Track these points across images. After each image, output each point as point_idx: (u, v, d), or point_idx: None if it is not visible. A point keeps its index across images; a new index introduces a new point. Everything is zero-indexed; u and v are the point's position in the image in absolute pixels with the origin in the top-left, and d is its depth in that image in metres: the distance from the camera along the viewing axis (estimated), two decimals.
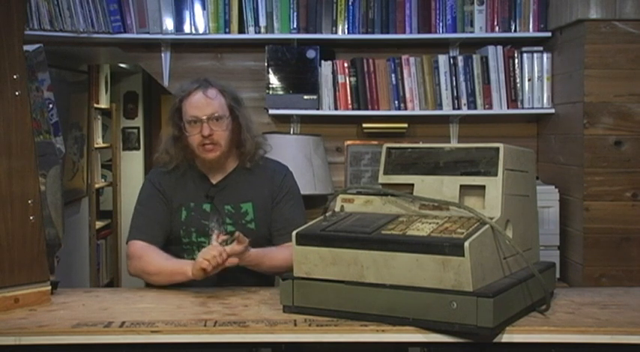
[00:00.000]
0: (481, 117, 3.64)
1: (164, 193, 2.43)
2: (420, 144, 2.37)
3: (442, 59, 3.55)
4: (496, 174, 1.91)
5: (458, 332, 1.76)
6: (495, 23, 3.54)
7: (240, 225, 2.40)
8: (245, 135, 2.44)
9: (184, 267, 2.19)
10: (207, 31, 3.53)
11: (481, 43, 3.60)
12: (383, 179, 2.08)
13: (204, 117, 2.35)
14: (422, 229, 1.84)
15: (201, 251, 2.16)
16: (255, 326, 1.83)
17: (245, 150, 2.44)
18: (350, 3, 3.52)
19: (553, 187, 3.39)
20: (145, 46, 3.66)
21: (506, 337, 1.79)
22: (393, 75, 3.55)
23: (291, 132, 3.69)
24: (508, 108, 3.56)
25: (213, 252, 2.11)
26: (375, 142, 3.69)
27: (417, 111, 3.55)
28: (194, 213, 2.41)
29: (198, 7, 3.51)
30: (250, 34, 3.54)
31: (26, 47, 2.11)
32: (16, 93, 2.03)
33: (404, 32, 3.54)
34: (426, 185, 1.98)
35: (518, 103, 3.56)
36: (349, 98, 3.55)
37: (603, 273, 3.14)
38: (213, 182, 2.45)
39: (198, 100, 2.37)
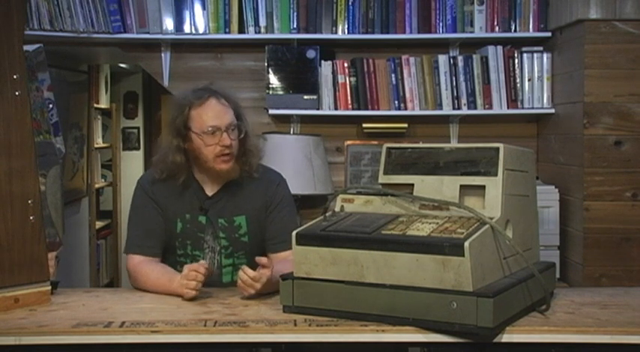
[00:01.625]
0: (481, 117, 3.64)
1: (157, 202, 2.37)
2: (420, 144, 2.37)
3: (442, 59, 3.55)
4: (496, 174, 1.91)
5: (458, 332, 1.76)
6: (495, 23, 3.54)
7: (233, 239, 2.37)
8: (250, 144, 2.38)
9: (177, 291, 2.15)
10: (207, 31, 3.52)
11: (481, 43, 3.60)
12: (383, 179, 2.08)
13: (224, 127, 2.28)
14: (422, 229, 1.84)
15: (182, 276, 2.14)
16: (255, 326, 1.83)
17: (247, 160, 2.37)
18: (350, 3, 3.52)
19: (553, 187, 3.39)
20: (145, 46, 3.66)
21: (506, 337, 1.79)
22: (393, 75, 3.55)
23: (291, 132, 3.69)
24: (508, 108, 3.56)
25: (192, 278, 2.10)
26: (375, 142, 3.69)
27: (417, 111, 3.55)
28: (189, 225, 2.36)
29: (198, 7, 3.51)
30: (250, 34, 3.54)
31: (26, 47, 2.11)
32: (16, 93, 2.03)
33: (404, 32, 3.54)
34: (426, 185, 1.98)
35: (518, 103, 3.56)
36: (349, 98, 3.55)
37: (603, 273, 3.14)
38: (209, 194, 2.38)
39: (216, 109, 2.29)
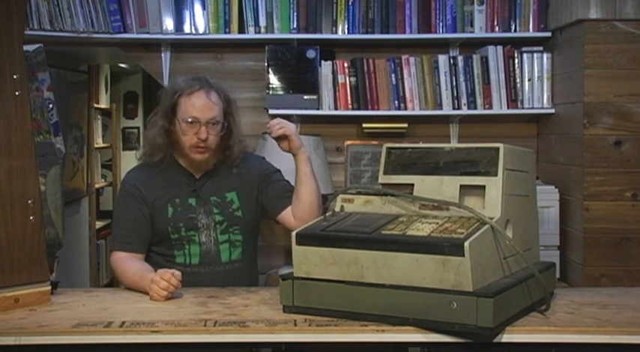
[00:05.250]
0: (481, 117, 3.64)
1: (140, 195, 2.42)
2: (420, 144, 2.37)
3: (442, 59, 3.55)
4: (496, 174, 1.91)
5: (458, 332, 1.76)
6: (495, 23, 3.54)
7: (227, 214, 2.44)
8: (233, 141, 2.46)
9: (147, 290, 2.16)
10: (207, 31, 3.52)
11: (481, 43, 3.60)
12: (383, 179, 2.08)
13: (204, 121, 2.36)
14: (422, 229, 1.84)
15: (154, 281, 2.12)
16: (255, 326, 1.83)
17: (231, 154, 2.47)
18: (350, 3, 3.52)
19: (553, 187, 3.38)
20: (145, 46, 3.66)
21: (506, 337, 1.79)
22: (393, 75, 3.54)
23: None
24: (508, 108, 3.55)
25: (164, 287, 2.10)
26: (375, 142, 3.69)
27: (417, 111, 3.55)
28: (180, 209, 2.42)
29: (198, 7, 3.51)
30: (250, 34, 3.54)
31: (26, 47, 2.11)
32: (16, 93, 2.03)
33: (404, 32, 3.54)
34: (426, 185, 1.98)
35: (518, 103, 3.56)
36: (349, 98, 3.55)
37: (603, 273, 3.14)
38: (197, 176, 2.47)
39: (200, 102, 2.37)
